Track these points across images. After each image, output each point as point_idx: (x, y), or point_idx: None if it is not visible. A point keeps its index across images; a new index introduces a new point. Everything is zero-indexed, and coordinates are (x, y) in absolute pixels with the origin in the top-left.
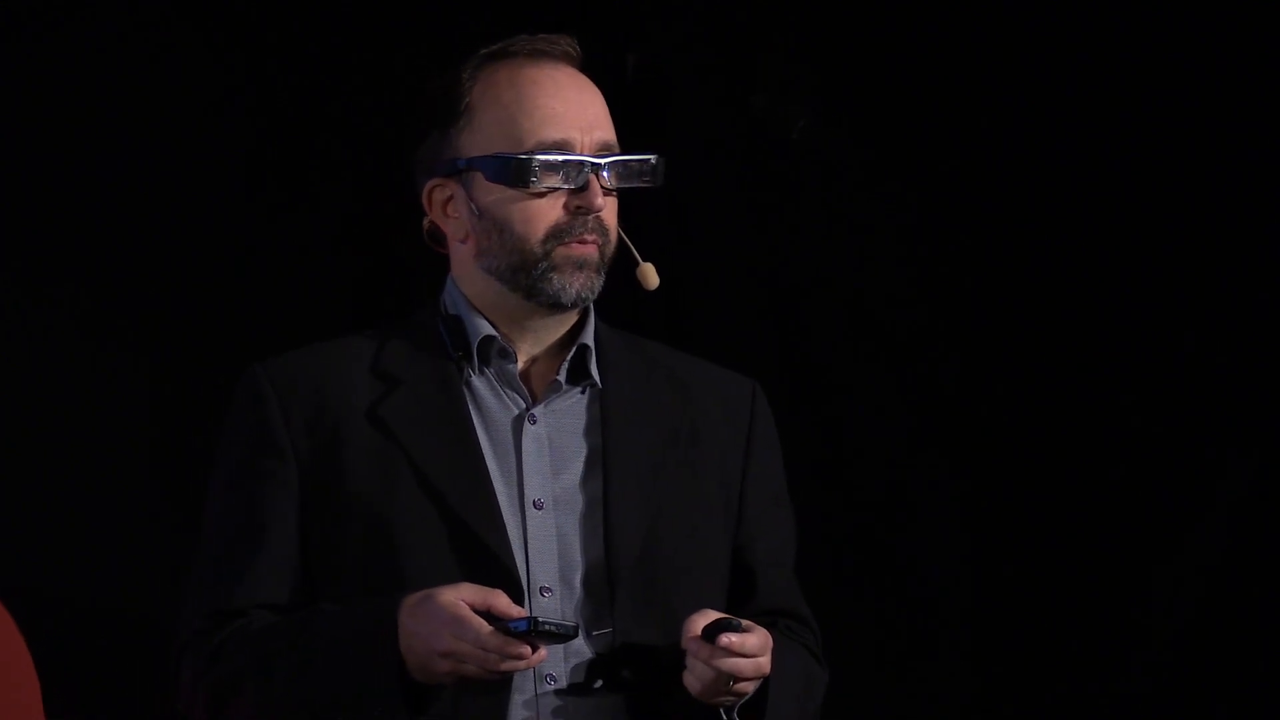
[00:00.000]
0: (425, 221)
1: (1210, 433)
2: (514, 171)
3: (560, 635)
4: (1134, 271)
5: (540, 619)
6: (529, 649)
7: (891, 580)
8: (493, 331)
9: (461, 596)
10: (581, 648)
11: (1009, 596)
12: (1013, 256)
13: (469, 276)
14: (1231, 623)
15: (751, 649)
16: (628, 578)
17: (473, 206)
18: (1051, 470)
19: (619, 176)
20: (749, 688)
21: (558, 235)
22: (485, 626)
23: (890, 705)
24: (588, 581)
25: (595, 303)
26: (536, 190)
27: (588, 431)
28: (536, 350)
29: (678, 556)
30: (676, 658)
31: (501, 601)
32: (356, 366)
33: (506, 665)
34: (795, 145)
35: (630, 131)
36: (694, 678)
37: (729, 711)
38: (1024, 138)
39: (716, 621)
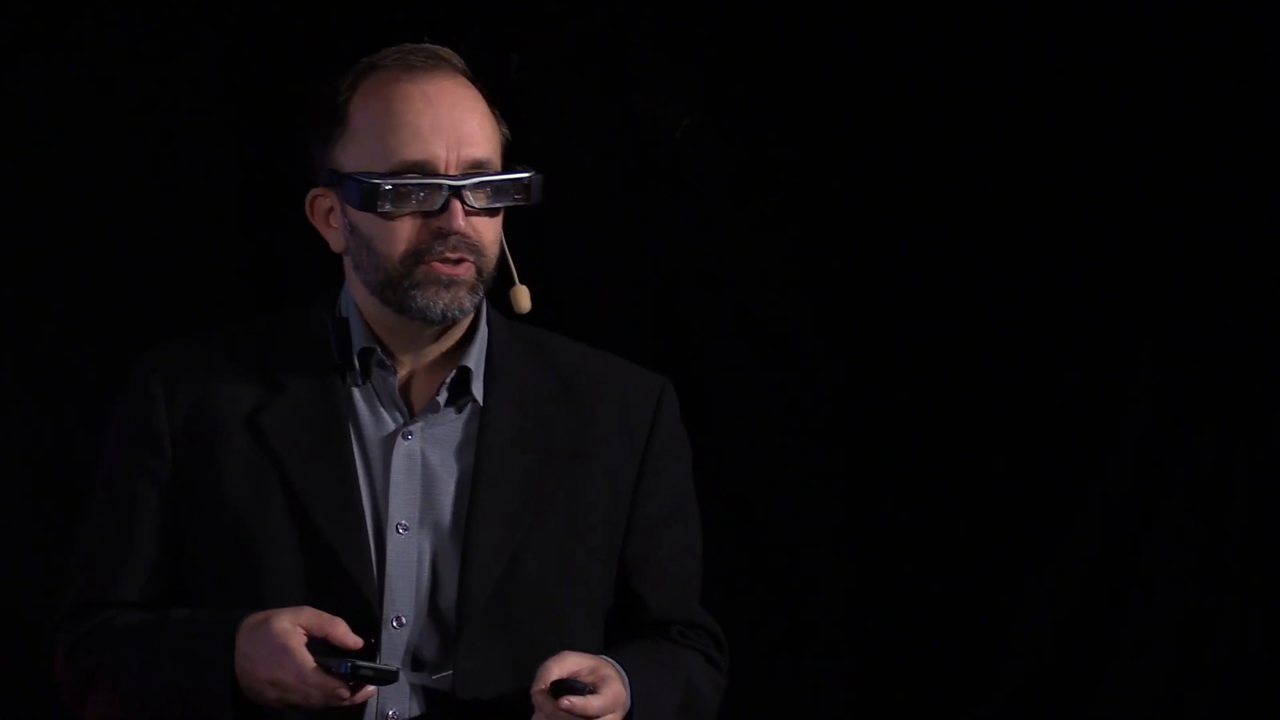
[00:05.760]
0: None
1: (1082, 440)
2: (366, 194)
3: (378, 679)
4: (1011, 274)
5: (359, 663)
6: (347, 690)
7: (767, 580)
8: (372, 344)
9: (299, 622)
10: (428, 683)
11: (886, 599)
12: (892, 256)
13: (354, 285)
14: (1100, 630)
15: (594, 711)
16: (480, 612)
17: (346, 221)
18: (928, 473)
19: (489, 195)
20: None
21: (419, 255)
22: (309, 662)
23: (765, 706)
24: (443, 613)
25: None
26: (393, 213)
27: (462, 451)
28: (419, 364)
29: (543, 588)
30: (525, 698)
31: (339, 631)
32: (243, 366)
33: (331, 703)
34: (678, 144)
35: (513, 131)
36: None
37: None
38: (903, 135)
39: (562, 680)
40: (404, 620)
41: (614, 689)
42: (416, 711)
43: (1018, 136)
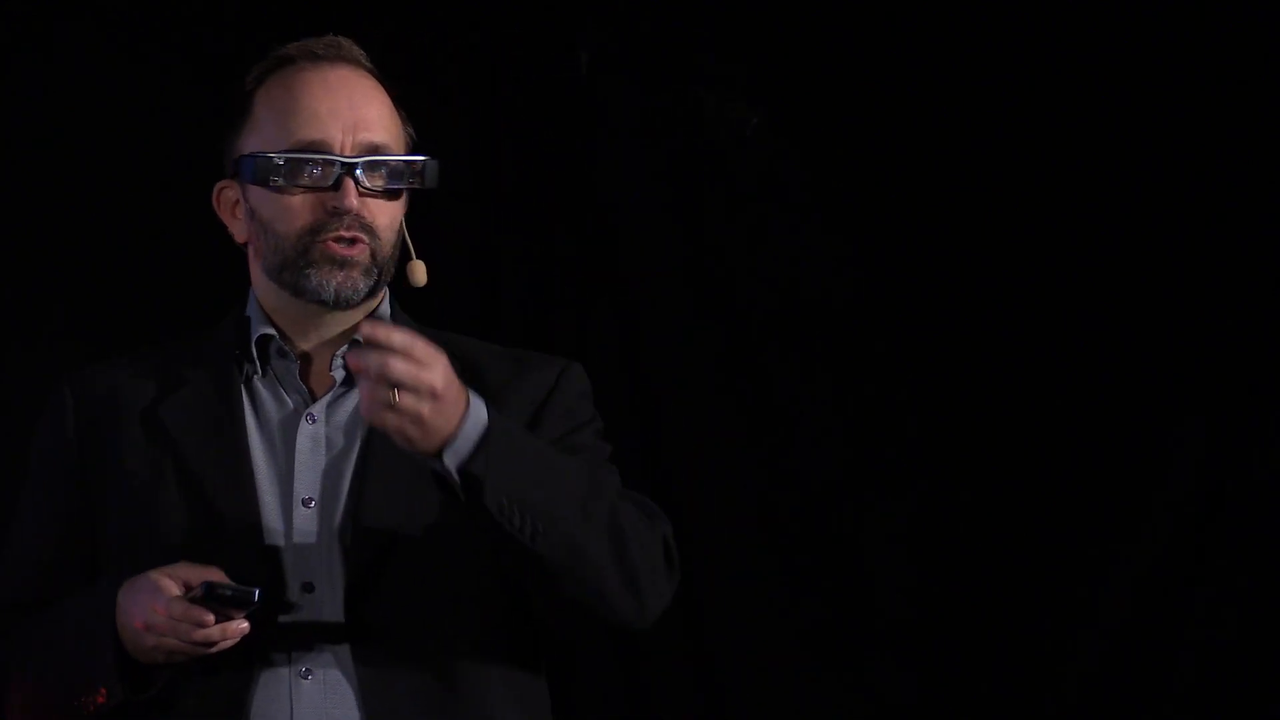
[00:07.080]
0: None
1: (1144, 447)
2: (261, 170)
3: (237, 599)
4: (1079, 279)
5: (216, 583)
6: (210, 616)
7: (832, 580)
8: (270, 330)
9: (174, 572)
10: (338, 641)
11: (949, 602)
12: (961, 264)
13: (257, 278)
14: (1168, 634)
15: (399, 344)
16: (381, 571)
17: (248, 207)
18: (994, 466)
19: (385, 177)
20: (411, 402)
21: (314, 233)
22: (174, 593)
23: (823, 706)
24: (349, 576)
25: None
26: (288, 188)
27: (359, 427)
28: (319, 351)
29: (442, 548)
30: (432, 651)
31: (216, 577)
32: (149, 372)
33: (199, 635)
34: (747, 144)
35: (582, 130)
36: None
37: (438, 463)
38: (957, 132)
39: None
40: (313, 586)
41: (443, 361)
42: (330, 667)
43: (1102, 149)
